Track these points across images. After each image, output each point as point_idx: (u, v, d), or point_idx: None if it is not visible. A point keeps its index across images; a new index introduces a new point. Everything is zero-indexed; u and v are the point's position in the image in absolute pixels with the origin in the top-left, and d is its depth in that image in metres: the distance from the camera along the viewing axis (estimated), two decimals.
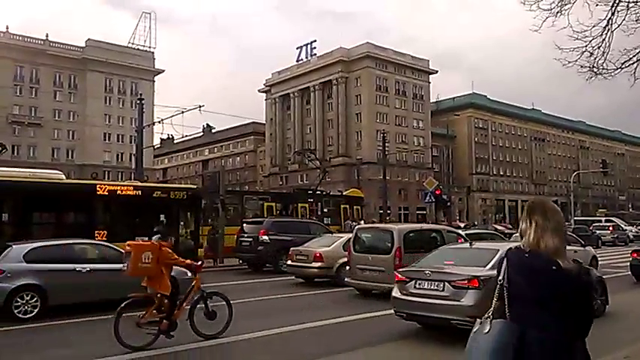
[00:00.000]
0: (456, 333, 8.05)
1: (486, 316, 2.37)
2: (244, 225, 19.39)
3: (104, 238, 12.62)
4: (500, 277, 2.41)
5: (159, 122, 34.03)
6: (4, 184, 12.19)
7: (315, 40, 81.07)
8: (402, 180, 74.03)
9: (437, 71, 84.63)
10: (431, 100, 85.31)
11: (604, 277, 10.18)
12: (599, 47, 7.83)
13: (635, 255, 14.82)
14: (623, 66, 8.06)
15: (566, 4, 7.68)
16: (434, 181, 33.38)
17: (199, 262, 8.10)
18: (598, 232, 33.65)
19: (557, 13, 7.72)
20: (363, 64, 76.11)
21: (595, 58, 7.93)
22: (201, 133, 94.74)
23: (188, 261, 7.84)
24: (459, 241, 12.62)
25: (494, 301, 2.40)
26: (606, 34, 7.76)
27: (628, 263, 15.16)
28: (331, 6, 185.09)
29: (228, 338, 7.66)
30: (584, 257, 15.07)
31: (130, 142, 65.15)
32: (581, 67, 8.06)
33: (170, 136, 79.70)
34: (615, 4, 7.67)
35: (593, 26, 7.74)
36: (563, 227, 2.45)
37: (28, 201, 12.80)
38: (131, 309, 7.17)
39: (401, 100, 79.43)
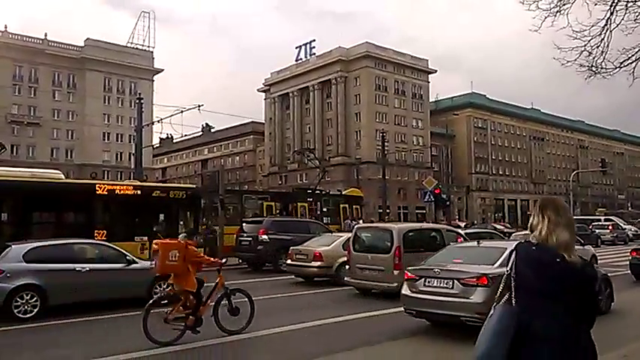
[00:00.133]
0: (455, 332, 8.08)
1: (494, 304, 2.52)
2: (244, 224, 19.39)
3: (104, 238, 12.63)
4: (508, 269, 2.55)
5: (158, 122, 33.97)
6: (3, 184, 12.18)
7: (314, 40, 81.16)
8: (402, 179, 74.06)
9: (436, 71, 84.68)
10: (430, 100, 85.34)
11: None
12: (598, 46, 7.85)
13: (635, 254, 14.84)
14: (622, 65, 8.07)
15: (565, 4, 7.70)
16: (433, 180, 33.42)
17: (223, 260, 8.32)
18: (597, 231, 33.67)
19: (557, 12, 7.73)
20: (362, 63, 76.08)
21: (594, 58, 7.95)
22: (201, 133, 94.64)
23: (212, 259, 8.06)
24: (459, 240, 12.65)
25: (499, 290, 2.54)
26: (605, 33, 7.77)
27: (627, 262, 15.17)
28: (331, 6, 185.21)
29: (227, 338, 7.67)
30: (584, 256, 15.03)
31: (129, 142, 65.02)
32: (580, 66, 8.09)
33: (169, 136, 79.69)
34: (614, 4, 7.69)
35: (592, 26, 7.75)
36: (573, 223, 2.57)
37: (27, 201, 12.80)
38: (159, 305, 7.40)
39: (400, 100, 79.41)
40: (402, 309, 8.41)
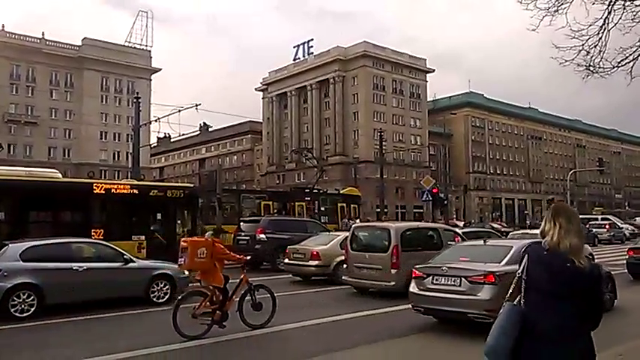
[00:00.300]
0: (455, 331, 8.10)
1: (504, 303, 2.71)
2: (241, 224, 19.38)
3: (101, 237, 12.59)
4: (519, 271, 2.71)
5: (155, 121, 33.96)
6: (0, 184, 12.15)
7: (312, 39, 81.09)
8: (399, 178, 74.11)
9: (434, 70, 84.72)
10: (428, 99, 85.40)
11: None
12: (595, 46, 7.86)
13: (632, 253, 14.85)
14: (620, 64, 8.08)
15: (562, 4, 7.70)
16: (431, 179, 33.40)
17: (248, 257, 8.64)
18: (594, 230, 33.71)
19: (554, 12, 7.73)
20: (360, 62, 76.07)
21: (592, 57, 7.96)
22: (198, 132, 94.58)
23: (238, 256, 8.36)
24: (456, 239, 12.66)
25: (510, 290, 2.72)
26: (603, 32, 7.78)
27: (624, 261, 15.20)
28: (331, 6, 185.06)
29: (227, 336, 7.67)
30: None
31: (127, 141, 64.93)
32: (578, 65, 8.09)
33: (167, 135, 79.42)
34: (611, 3, 7.70)
35: (590, 25, 7.76)
36: (582, 230, 2.75)
37: (24, 200, 12.77)
38: (187, 301, 7.70)
39: (398, 99, 79.45)
40: (410, 306, 8.55)
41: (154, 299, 10.49)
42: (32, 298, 9.06)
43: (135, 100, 29.45)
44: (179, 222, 15.47)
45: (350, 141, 76.08)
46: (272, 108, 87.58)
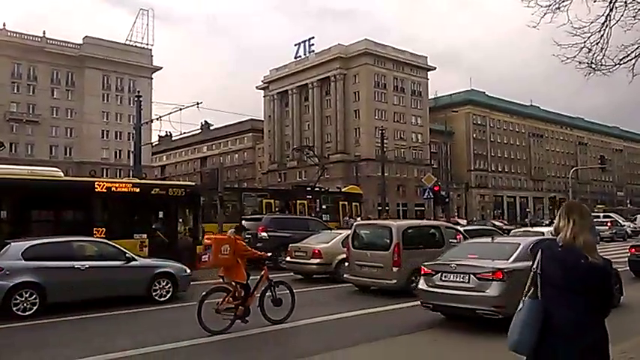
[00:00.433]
0: (456, 330, 8.10)
1: (522, 298, 2.79)
2: (243, 222, 19.30)
3: (103, 236, 12.60)
4: (534, 266, 2.80)
5: (157, 119, 33.93)
6: (2, 182, 12.15)
7: (313, 37, 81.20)
8: (401, 176, 74.09)
9: (435, 68, 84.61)
10: (429, 97, 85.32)
11: None
12: (597, 43, 7.81)
13: (634, 250, 14.84)
14: (622, 62, 8.04)
15: (564, 0, 7.67)
16: (432, 177, 33.29)
17: (269, 254, 9.05)
18: (596, 227, 33.61)
19: (556, 9, 7.70)
20: (361, 60, 76.00)
21: (593, 55, 7.91)
22: (200, 131, 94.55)
23: (259, 252, 8.76)
24: (458, 237, 12.66)
25: (527, 286, 2.81)
26: (604, 30, 7.74)
27: (626, 259, 15.18)
28: (331, 5, 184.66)
29: (226, 335, 7.69)
30: None
31: (128, 140, 65.02)
32: (580, 63, 8.05)
33: (168, 134, 79.61)
34: (613, 1, 7.67)
35: (592, 22, 7.72)
36: (594, 226, 2.88)
37: (26, 198, 12.77)
38: (211, 297, 7.88)
39: (399, 97, 79.38)
40: (410, 304, 8.77)
41: (156, 298, 10.52)
42: (34, 296, 9.09)
43: (136, 99, 29.43)
44: (181, 220, 15.47)
45: (351, 139, 76.05)
46: (273, 106, 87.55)
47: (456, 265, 8.12)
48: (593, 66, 8.06)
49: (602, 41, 7.77)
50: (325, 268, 13.85)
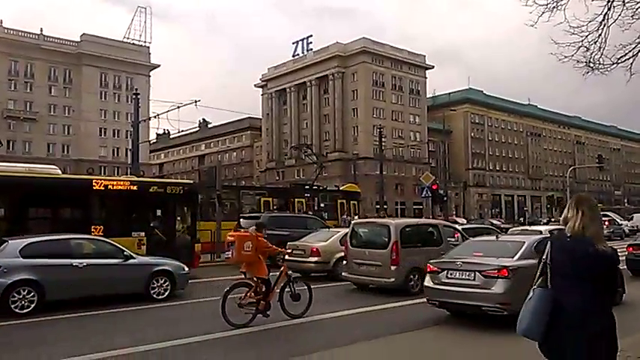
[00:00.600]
0: (457, 329, 8.12)
1: (532, 287, 2.92)
2: (241, 220, 19.36)
3: (101, 234, 12.59)
4: (544, 257, 2.94)
5: (155, 117, 33.74)
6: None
7: (311, 35, 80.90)
8: (399, 175, 74.13)
9: (433, 66, 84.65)
10: (427, 96, 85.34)
11: None
12: (595, 42, 7.82)
13: (631, 249, 14.89)
14: (619, 61, 8.05)
15: None
16: (430, 175, 33.36)
17: (289, 250, 9.47)
18: None
19: (553, 8, 7.70)
20: (359, 59, 75.97)
21: (591, 53, 7.92)
22: (198, 129, 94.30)
23: (279, 248, 9.10)
24: (456, 235, 12.69)
25: (536, 276, 2.94)
26: (602, 29, 7.75)
27: (624, 257, 15.20)
28: (330, 3, 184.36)
29: (227, 332, 7.69)
30: None
31: (126, 137, 64.84)
32: (578, 62, 8.06)
33: (166, 131, 79.25)
34: (611, 0, 7.67)
35: (590, 21, 7.72)
36: (602, 218, 3.06)
37: (24, 196, 12.75)
38: (234, 292, 8.13)
39: (397, 96, 79.39)
40: (410, 302, 8.93)
41: (154, 295, 10.52)
42: (32, 294, 9.08)
43: (134, 97, 29.39)
44: (179, 218, 15.46)
45: (349, 137, 76.05)
46: (271, 104, 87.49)
47: (462, 262, 8.23)
48: (591, 65, 8.06)
49: (600, 40, 7.77)
50: (323, 266, 13.85)
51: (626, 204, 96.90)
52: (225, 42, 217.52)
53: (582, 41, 7.78)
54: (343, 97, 76.88)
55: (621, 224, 38.68)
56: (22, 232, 11.06)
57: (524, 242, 8.42)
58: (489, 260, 8.08)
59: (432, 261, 8.83)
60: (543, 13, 7.71)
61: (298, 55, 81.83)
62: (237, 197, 24.67)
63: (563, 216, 2.98)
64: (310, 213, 24.47)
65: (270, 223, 17.97)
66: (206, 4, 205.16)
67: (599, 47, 7.83)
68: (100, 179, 14.64)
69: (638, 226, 38.29)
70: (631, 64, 8.06)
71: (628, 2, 7.70)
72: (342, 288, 12.33)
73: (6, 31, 67.29)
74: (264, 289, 8.21)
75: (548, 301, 2.80)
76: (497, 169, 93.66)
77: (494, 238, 9.75)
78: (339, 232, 14.78)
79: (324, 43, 79.85)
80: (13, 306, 8.89)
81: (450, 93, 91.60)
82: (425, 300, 8.77)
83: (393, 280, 11.12)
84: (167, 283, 10.72)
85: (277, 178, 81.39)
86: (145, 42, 77.84)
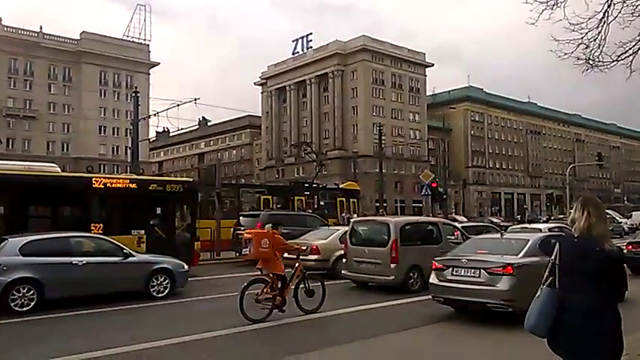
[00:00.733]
0: (456, 328, 8.12)
1: (541, 287, 3.03)
2: (241, 218, 19.37)
3: (100, 232, 12.58)
4: (552, 257, 3.05)
5: (154, 115, 33.75)
6: None
7: (311, 33, 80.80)
8: (398, 173, 74.13)
9: (433, 64, 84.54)
10: (427, 94, 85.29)
11: None
12: (595, 39, 7.81)
13: (630, 247, 14.91)
14: (619, 58, 8.04)
15: None
16: (430, 173, 33.34)
17: (304, 248, 9.78)
18: None
19: (554, 5, 7.69)
20: (359, 57, 75.88)
21: (591, 51, 7.92)
22: (197, 127, 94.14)
23: (295, 246, 9.34)
24: (455, 233, 12.70)
25: (545, 276, 3.04)
26: (602, 26, 7.74)
27: None
28: (330, 1, 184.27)
29: (226, 331, 7.70)
30: None
31: (126, 135, 64.85)
32: (577, 59, 8.06)
33: (166, 129, 79.19)
34: None
35: (589, 19, 7.71)
36: (607, 218, 3.13)
37: (23, 194, 12.73)
38: (251, 288, 8.32)
39: (397, 93, 79.33)
40: (409, 300, 9.00)
41: (154, 293, 10.52)
42: (32, 292, 9.08)
43: (133, 95, 29.37)
44: (178, 217, 15.45)
45: (349, 135, 76.01)
46: (271, 102, 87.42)
47: (467, 260, 8.30)
48: (591, 62, 8.06)
49: (599, 38, 7.77)
50: (323, 264, 13.83)
51: (625, 202, 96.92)
52: (224, 40, 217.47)
53: (582, 38, 7.79)
54: (343, 95, 76.80)
55: (621, 222, 38.72)
56: (21, 230, 11.07)
57: (529, 240, 8.49)
58: (494, 258, 8.16)
59: (437, 258, 8.88)
60: (543, 10, 7.72)
61: (298, 53, 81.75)
62: (236, 195, 24.66)
63: (570, 217, 3.09)
64: (310, 211, 24.47)
65: (270, 221, 18.07)
66: (206, 2, 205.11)
67: (599, 45, 7.83)
68: (100, 177, 14.62)
69: (637, 224, 38.36)
70: (631, 61, 8.06)
71: None
72: (341, 286, 12.32)
73: (5, 28, 67.21)
74: (279, 285, 8.43)
75: (555, 299, 2.91)
76: (497, 167, 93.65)
77: (498, 235, 9.80)
78: (338, 230, 14.79)
79: (323, 41, 79.91)
80: (12, 304, 8.90)
81: (449, 91, 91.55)
82: (425, 297, 8.82)
83: (392, 277, 11.13)
84: (167, 281, 10.72)
85: (277, 176, 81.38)
86: (144, 40, 77.93)
